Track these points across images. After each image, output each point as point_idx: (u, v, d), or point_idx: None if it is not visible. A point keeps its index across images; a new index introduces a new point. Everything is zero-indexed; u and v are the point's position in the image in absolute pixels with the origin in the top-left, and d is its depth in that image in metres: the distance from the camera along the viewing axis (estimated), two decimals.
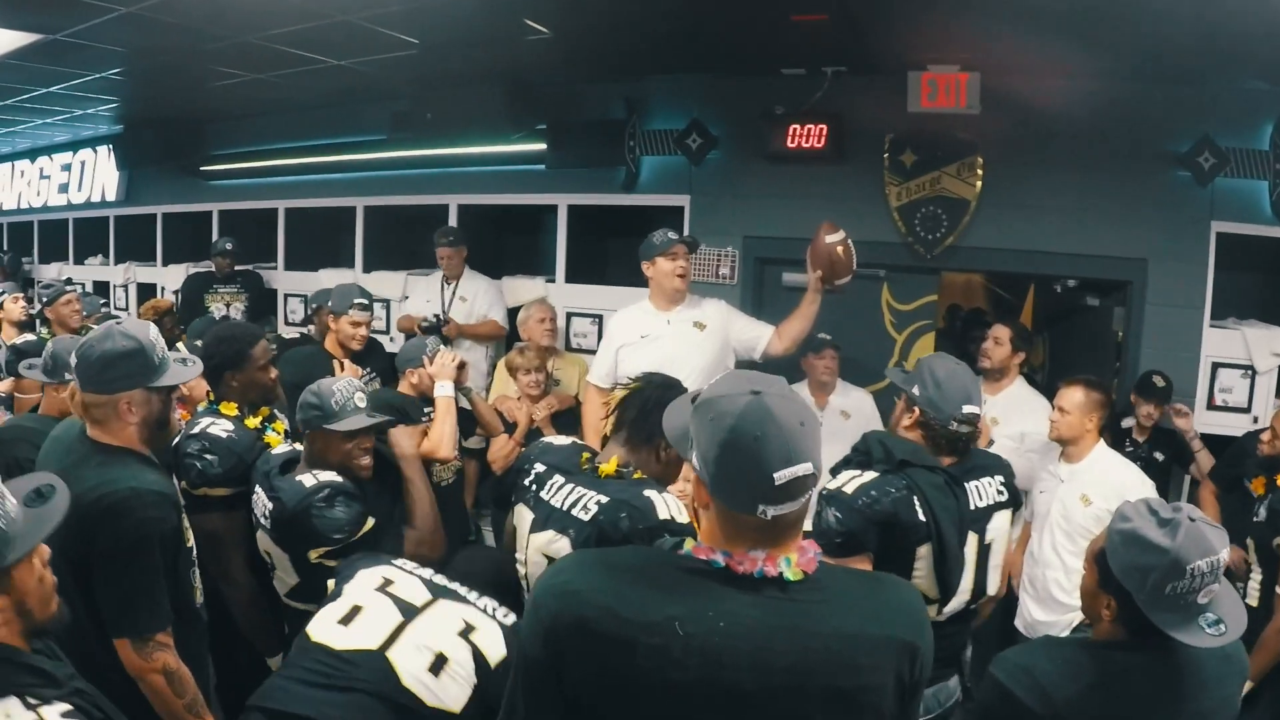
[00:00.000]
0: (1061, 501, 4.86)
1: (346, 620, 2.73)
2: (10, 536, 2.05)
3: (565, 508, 3.08)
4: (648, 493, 3.01)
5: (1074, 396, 4.86)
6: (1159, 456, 5.73)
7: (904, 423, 3.54)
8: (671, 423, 2.14)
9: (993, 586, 3.56)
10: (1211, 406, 5.87)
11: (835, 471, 3.41)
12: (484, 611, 2.79)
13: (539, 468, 3.27)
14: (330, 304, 5.86)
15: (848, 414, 6.16)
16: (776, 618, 1.86)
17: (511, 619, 2.78)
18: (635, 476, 3.13)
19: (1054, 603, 4.87)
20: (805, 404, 1.96)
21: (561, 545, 2.99)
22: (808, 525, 2.17)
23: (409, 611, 2.74)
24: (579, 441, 3.44)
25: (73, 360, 3.19)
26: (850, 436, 5.91)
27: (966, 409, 3.42)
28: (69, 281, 8.69)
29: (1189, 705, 2.45)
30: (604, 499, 3.03)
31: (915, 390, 3.48)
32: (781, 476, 1.83)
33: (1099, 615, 2.57)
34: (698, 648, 1.81)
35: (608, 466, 3.16)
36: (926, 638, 1.97)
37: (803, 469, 1.84)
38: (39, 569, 2.16)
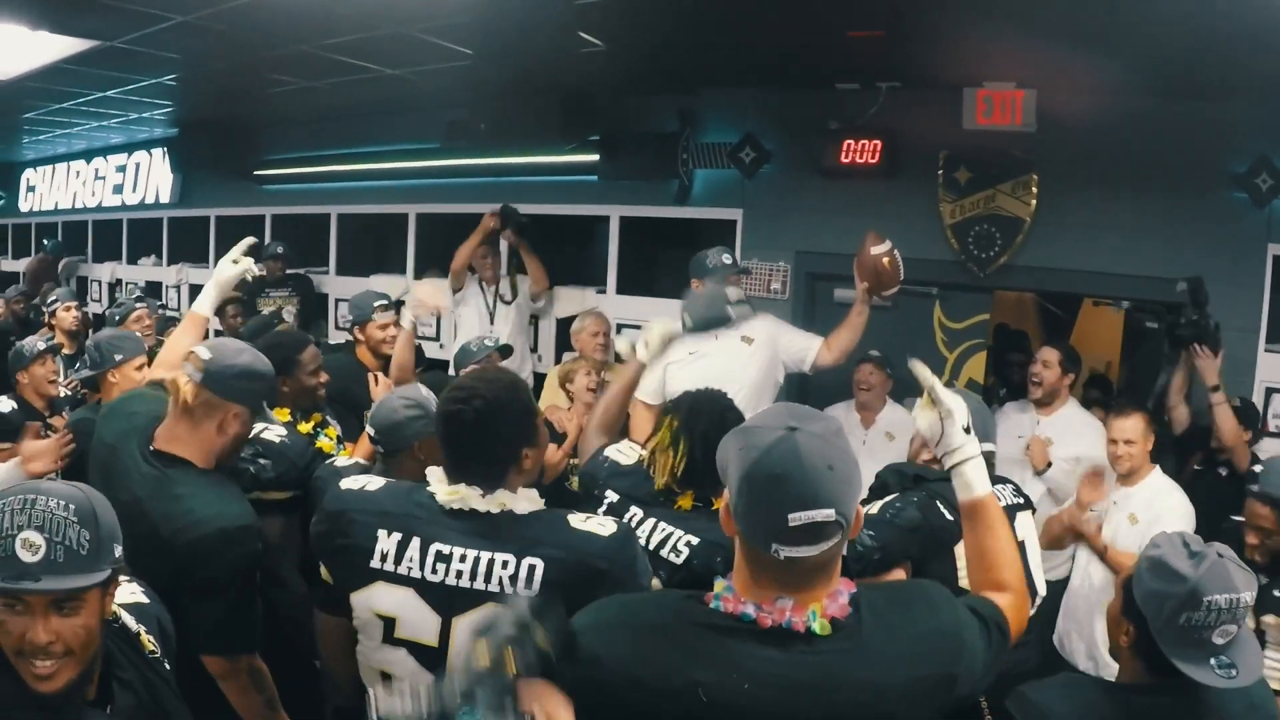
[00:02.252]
0: (1113, 523, 4.82)
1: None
2: None
3: (652, 547, 3.03)
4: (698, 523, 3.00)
5: (1137, 426, 4.84)
6: (1223, 473, 5.60)
7: (923, 456, 3.56)
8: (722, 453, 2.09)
9: (1040, 587, 3.54)
10: (1266, 433, 5.74)
11: (865, 502, 3.37)
12: None
13: (612, 496, 3.23)
14: (352, 317, 5.83)
15: (893, 435, 6.11)
16: (804, 673, 1.85)
17: None
18: (716, 506, 2.97)
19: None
20: (843, 448, 1.91)
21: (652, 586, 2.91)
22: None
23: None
24: (641, 455, 3.36)
25: (206, 354, 3.20)
26: (893, 457, 5.92)
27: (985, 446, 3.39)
28: (140, 298, 8.72)
29: None
30: (694, 540, 3.00)
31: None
32: (797, 519, 1.80)
33: (1118, 642, 2.56)
34: (722, 713, 1.81)
35: (685, 500, 3.11)
36: (967, 659, 1.97)
37: (821, 514, 1.80)
38: None
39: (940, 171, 6.33)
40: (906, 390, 6.24)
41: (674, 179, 7.24)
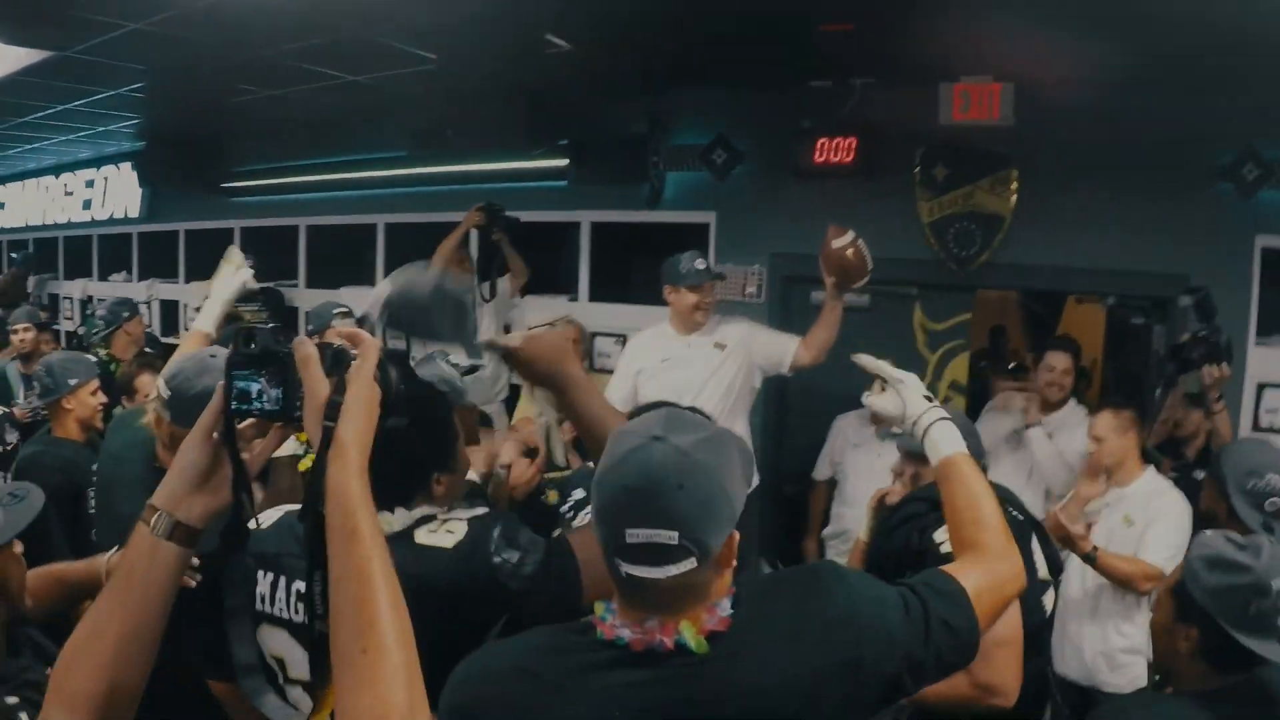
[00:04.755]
0: (1106, 526, 4.71)
1: None
2: None
3: None
4: None
5: (1105, 422, 4.77)
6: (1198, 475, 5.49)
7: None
8: None
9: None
10: (1256, 428, 5.63)
11: (923, 531, 3.32)
12: None
13: (578, 494, 3.39)
14: (310, 327, 5.74)
15: None
16: (683, 692, 1.71)
17: None
18: None
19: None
20: (711, 467, 1.74)
21: None
22: None
23: None
24: None
25: (165, 391, 3.24)
26: None
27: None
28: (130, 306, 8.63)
29: None
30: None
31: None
32: (634, 535, 1.68)
33: (1176, 650, 2.49)
34: None
35: None
36: (871, 638, 1.81)
37: (661, 535, 1.67)
38: (17, 556, 2.55)
39: (917, 169, 6.18)
40: None
41: (645, 182, 7.08)
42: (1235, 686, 2.39)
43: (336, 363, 1.62)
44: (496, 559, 2.19)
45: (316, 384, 1.60)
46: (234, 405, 1.65)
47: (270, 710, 1.72)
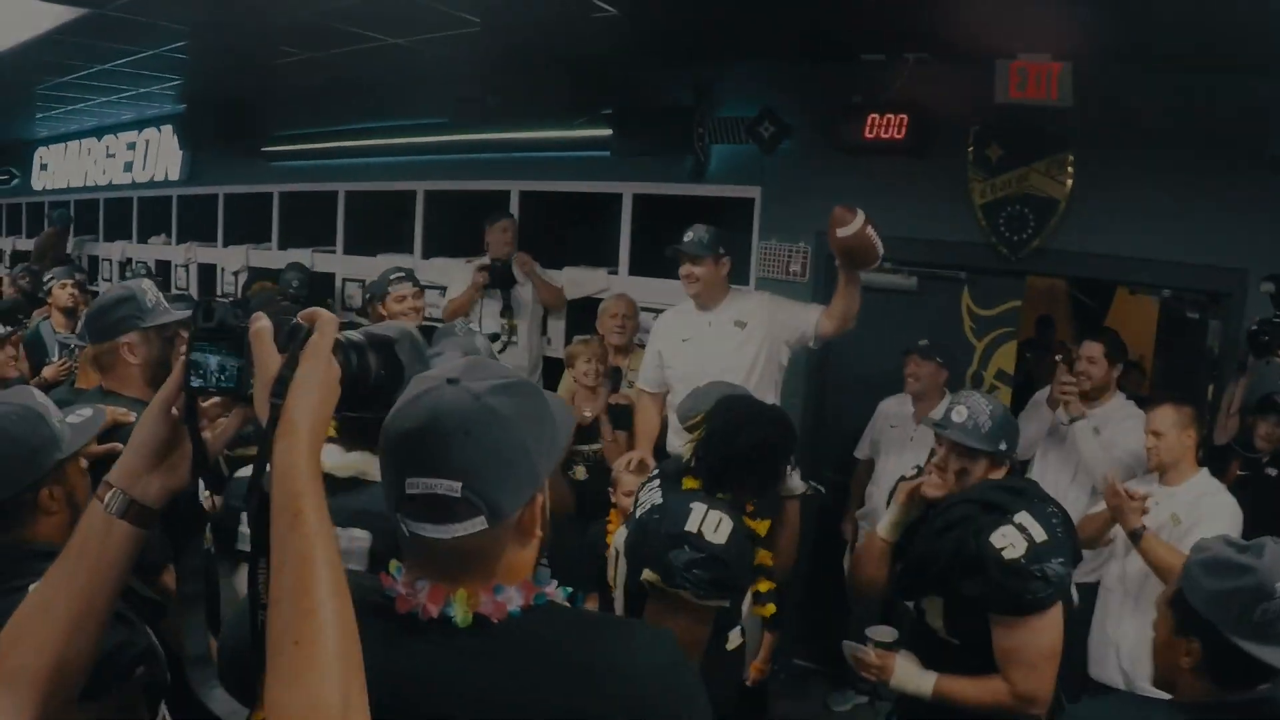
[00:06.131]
0: (1152, 522, 4.51)
1: None
2: (61, 437, 2.55)
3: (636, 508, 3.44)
4: (694, 504, 3.12)
5: (1165, 417, 4.64)
6: (1271, 473, 5.30)
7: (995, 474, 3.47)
8: None
9: None
10: None
11: (977, 535, 3.15)
12: None
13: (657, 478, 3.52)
14: (368, 295, 5.69)
15: None
16: (423, 665, 1.56)
17: None
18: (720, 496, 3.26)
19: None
20: (507, 415, 1.57)
21: (622, 535, 3.47)
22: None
23: None
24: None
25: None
26: None
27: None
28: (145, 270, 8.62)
29: None
30: (659, 501, 3.33)
31: (1004, 446, 3.45)
32: (413, 486, 1.54)
33: (1177, 666, 2.34)
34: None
35: (691, 482, 3.31)
36: (629, 710, 1.55)
37: (441, 485, 1.52)
38: (83, 471, 2.64)
39: (970, 148, 5.99)
40: (960, 382, 6.05)
41: (690, 155, 6.93)
42: (1242, 704, 2.24)
43: (291, 338, 1.52)
44: None
45: (267, 359, 1.50)
46: (191, 380, 1.57)
47: (217, 705, 1.59)
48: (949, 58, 5.90)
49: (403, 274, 5.64)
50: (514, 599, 1.59)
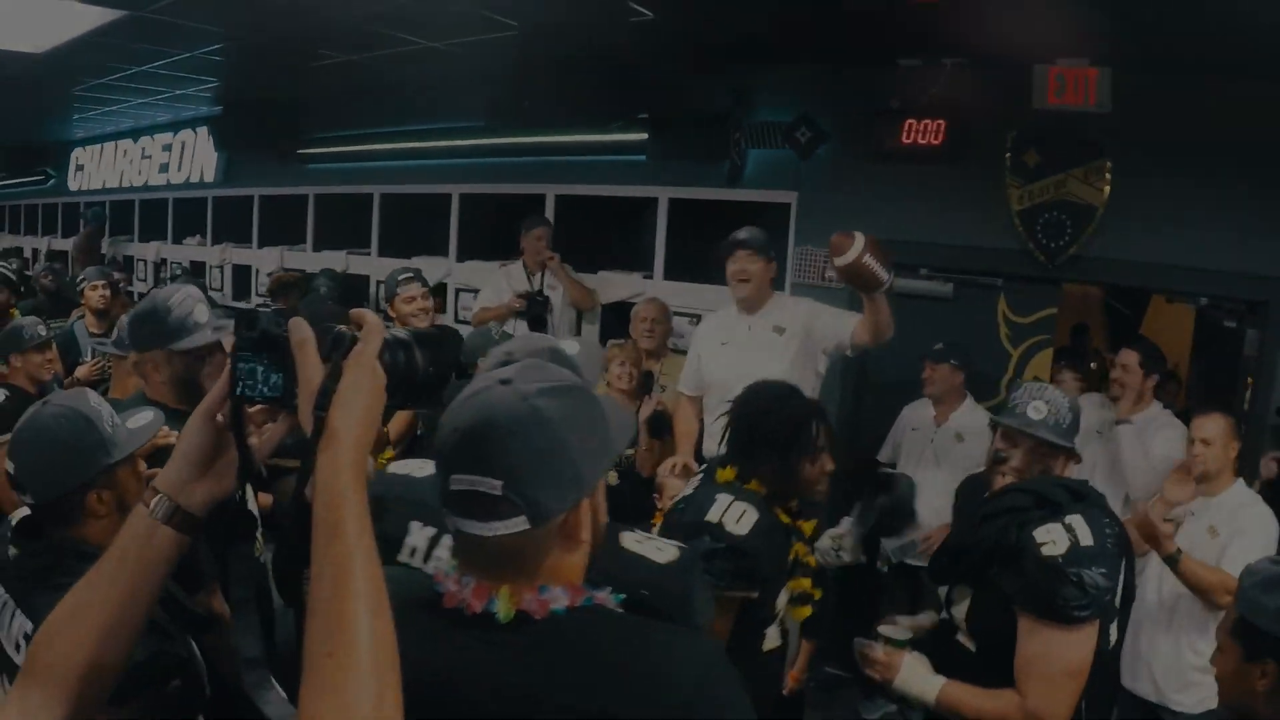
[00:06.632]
0: (1189, 535, 4.50)
1: None
2: (112, 441, 2.56)
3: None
4: (720, 495, 3.12)
5: (1217, 425, 4.57)
6: None
7: (1068, 471, 3.39)
8: None
9: None
10: None
11: (1022, 527, 3.06)
12: None
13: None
14: (382, 294, 5.70)
15: (963, 436, 5.89)
16: (474, 666, 1.58)
17: None
18: (749, 487, 3.23)
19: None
20: (555, 418, 1.58)
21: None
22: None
23: None
24: None
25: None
26: (960, 460, 5.71)
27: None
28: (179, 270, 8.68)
29: None
30: (688, 493, 3.36)
31: (1078, 440, 3.39)
32: (458, 482, 1.56)
33: (1252, 691, 2.29)
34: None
35: (725, 473, 3.27)
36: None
37: (484, 483, 1.54)
38: (139, 474, 2.65)
39: (1008, 154, 5.96)
40: (979, 385, 6.01)
41: (725, 159, 6.91)
42: None
43: (335, 347, 1.51)
44: None
45: (310, 369, 1.50)
46: (237, 389, 1.57)
47: (271, 708, 1.60)
48: (986, 63, 5.86)
49: (411, 274, 5.63)
50: (559, 599, 1.60)
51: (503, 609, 1.58)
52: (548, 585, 1.61)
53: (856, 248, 4.54)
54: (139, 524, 1.57)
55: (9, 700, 1.55)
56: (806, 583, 3.55)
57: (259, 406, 1.71)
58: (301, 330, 1.52)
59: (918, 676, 3.19)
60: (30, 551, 2.52)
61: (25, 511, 2.64)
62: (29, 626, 2.25)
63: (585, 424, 1.63)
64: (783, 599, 3.45)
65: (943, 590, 3.43)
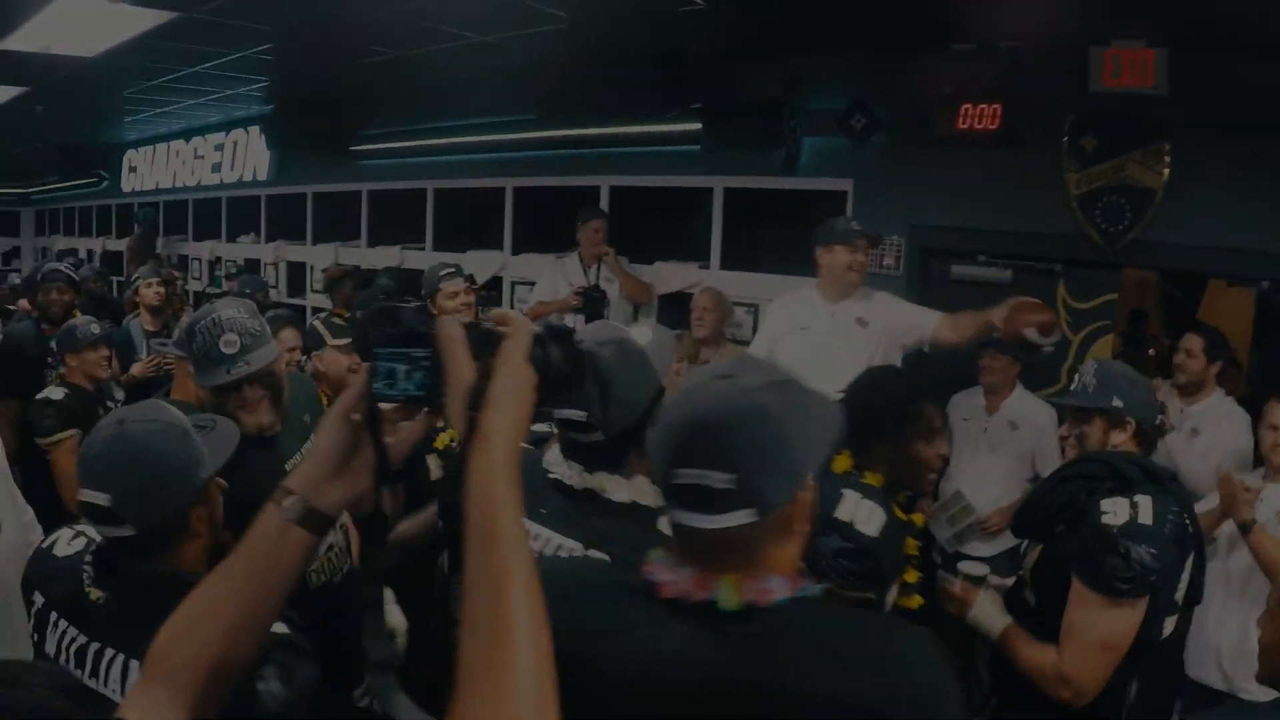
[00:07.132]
0: (1259, 519, 4.41)
1: None
2: (204, 452, 2.39)
3: None
4: (847, 491, 2.97)
5: None
6: None
7: (1121, 441, 3.35)
8: None
9: None
10: None
11: (1091, 494, 3.12)
12: None
13: None
14: (423, 291, 5.66)
15: (1016, 424, 5.81)
16: (698, 654, 1.58)
17: None
18: (866, 479, 3.10)
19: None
20: (777, 411, 1.60)
21: None
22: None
23: None
24: None
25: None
26: (1013, 449, 5.68)
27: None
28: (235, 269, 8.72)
29: None
30: None
31: (1119, 403, 3.31)
32: (682, 476, 1.59)
33: None
34: (614, 677, 1.58)
35: (842, 460, 3.14)
36: (905, 704, 1.55)
37: (711, 477, 1.55)
38: (220, 485, 2.50)
39: (1065, 138, 5.89)
40: (1040, 373, 5.97)
41: (780, 148, 6.89)
42: None
43: (484, 345, 1.48)
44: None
45: (461, 368, 1.47)
46: (378, 387, 1.54)
47: (400, 712, 1.59)
48: (1041, 46, 5.79)
49: (453, 269, 5.61)
50: (781, 588, 1.62)
51: (730, 598, 1.59)
52: (768, 575, 1.63)
53: (1055, 336, 4.76)
54: (270, 523, 1.55)
55: (130, 697, 1.56)
56: (915, 575, 3.56)
57: (393, 405, 1.69)
58: (450, 327, 1.50)
59: (989, 612, 3.31)
60: (122, 592, 2.27)
61: (79, 543, 2.46)
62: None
63: (805, 418, 1.66)
64: (892, 594, 3.44)
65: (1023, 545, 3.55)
